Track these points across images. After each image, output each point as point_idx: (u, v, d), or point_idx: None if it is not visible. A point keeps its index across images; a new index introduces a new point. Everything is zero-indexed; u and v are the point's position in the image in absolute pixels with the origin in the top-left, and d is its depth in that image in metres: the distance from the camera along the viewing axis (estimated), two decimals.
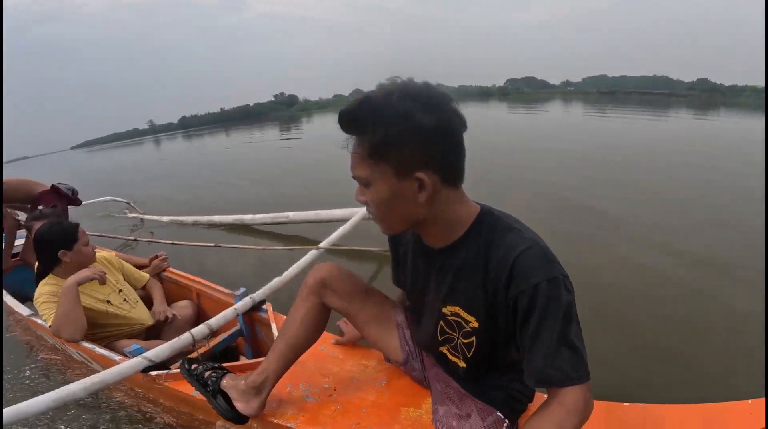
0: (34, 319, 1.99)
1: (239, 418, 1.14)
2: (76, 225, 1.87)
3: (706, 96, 50.84)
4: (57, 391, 1.28)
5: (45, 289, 1.83)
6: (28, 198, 3.08)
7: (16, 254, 2.97)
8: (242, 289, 1.85)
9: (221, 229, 4.97)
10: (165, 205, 6.89)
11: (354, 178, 0.81)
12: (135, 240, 4.23)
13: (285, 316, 1.34)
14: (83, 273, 1.75)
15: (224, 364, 1.31)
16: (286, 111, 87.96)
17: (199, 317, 2.19)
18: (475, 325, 0.88)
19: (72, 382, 1.31)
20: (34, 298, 1.84)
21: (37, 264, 1.92)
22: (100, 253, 2.08)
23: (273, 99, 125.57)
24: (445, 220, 0.84)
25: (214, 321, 1.63)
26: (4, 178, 2.89)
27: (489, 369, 0.95)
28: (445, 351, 0.99)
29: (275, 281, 1.94)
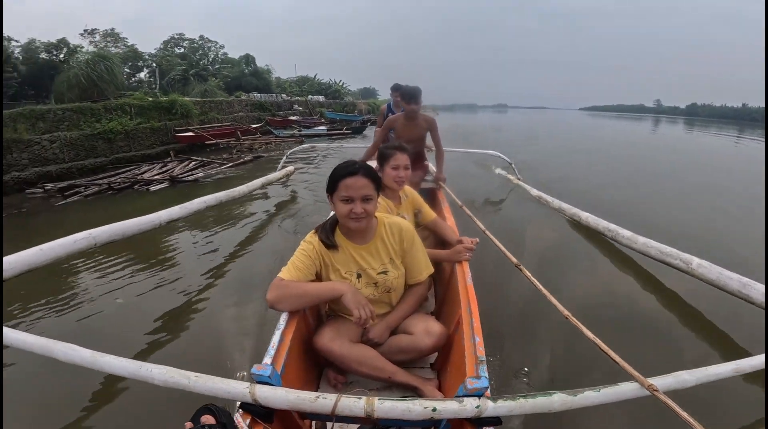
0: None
1: None
2: (348, 173, 1.69)
3: None
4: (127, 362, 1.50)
5: (311, 243, 1.85)
6: None
7: None
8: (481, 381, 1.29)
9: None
10: (552, 181, 7.62)
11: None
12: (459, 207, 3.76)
13: None
14: (353, 303, 1.66)
15: None
16: None
17: (441, 363, 1.93)
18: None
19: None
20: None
21: None
22: (393, 219, 1.94)
23: None
24: None
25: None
26: None
27: None
28: None
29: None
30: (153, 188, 8.56)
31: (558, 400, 1.28)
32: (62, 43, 29.93)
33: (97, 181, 9.18)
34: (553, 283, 2.95)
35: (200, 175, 9.85)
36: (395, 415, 1.21)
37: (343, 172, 1.71)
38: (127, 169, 10.99)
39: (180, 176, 9.31)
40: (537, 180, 7.57)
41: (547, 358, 2.56)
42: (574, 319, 1.70)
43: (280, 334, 1.61)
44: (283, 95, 33.43)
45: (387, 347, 1.84)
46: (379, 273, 1.85)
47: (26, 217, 7.69)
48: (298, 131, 20.45)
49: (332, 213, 1.90)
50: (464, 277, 2.06)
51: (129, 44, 36.83)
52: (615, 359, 1.47)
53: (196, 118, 17.19)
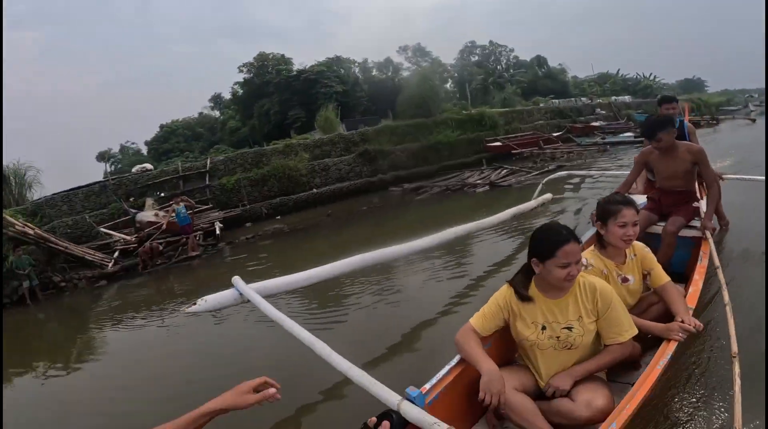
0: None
1: None
2: (564, 241, 1.83)
3: None
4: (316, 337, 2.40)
5: (503, 294, 2.05)
6: None
7: None
8: None
9: None
10: None
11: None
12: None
13: None
14: (483, 385, 1.79)
15: None
16: None
17: None
18: None
19: None
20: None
21: None
22: (589, 279, 2.00)
23: None
24: None
25: None
26: None
27: None
28: None
29: None
30: (478, 190, 10.82)
31: None
32: (388, 62, 37.74)
33: (438, 184, 12.24)
34: None
35: (513, 181, 11.66)
36: None
37: (560, 239, 1.84)
38: (454, 175, 13.88)
39: (496, 181, 11.34)
40: None
41: None
42: None
43: (447, 369, 1.97)
44: (583, 99, 33.12)
45: (547, 406, 1.90)
46: (563, 328, 1.93)
47: (389, 208, 11.43)
48: (602, 139, 20.34)
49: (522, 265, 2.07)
50: (659, 358, 1.99)
51: (433, 56, 42.67)
52: None
53: (501, 128, 19.49)
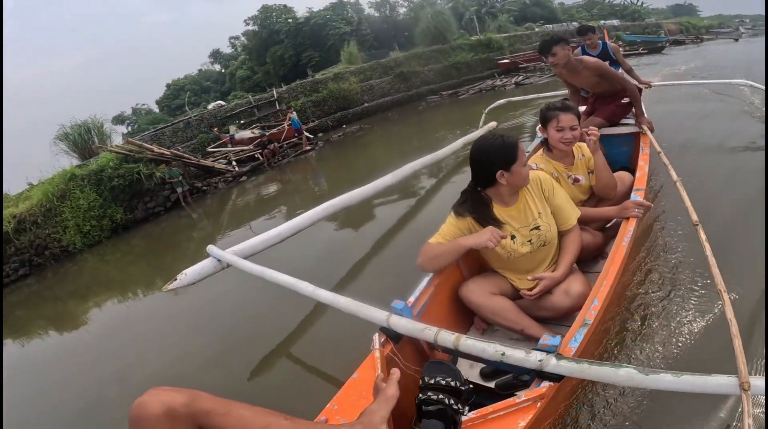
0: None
1: None
2: (515, 141, 1.88)
3: None
4: (294, 280, 2.36)
5: (464, 222, 1.97)
6: None
7: None
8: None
9: None
10: None
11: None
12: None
13: None
14: (479, 240, 1.80)
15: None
16: None
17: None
18: None
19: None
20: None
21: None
22: (535, 173, 2.07)
23: None
24: None
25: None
26: None
27: None
28: None
29: None
30: (507, 88, 14.58)
31: (624, 375, 1.27)
32: (385, 1, 39.82)
33: (472, 88, 15.94)
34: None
35: (529, 82, 15.35)
36: (474, 352, 1.46)
37: (513, 142, 1.88)
38: (480, 83, 17.59)
39: (520, 82, 15.11)
40: None
41: (683, 331, 2.13)
42: (726, 295, 1.53)
43: (427, 281, 2.03)
44: (573, 23, 36.10)
45: (529, 303, 1.99)
46: (531, 229, 1.97)
47: (424, 112, 15.16)
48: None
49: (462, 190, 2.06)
50: (623, 235, 2.06)
51: None
52: (735, 347, 1.29)
53: (506, 50, 22.92)
